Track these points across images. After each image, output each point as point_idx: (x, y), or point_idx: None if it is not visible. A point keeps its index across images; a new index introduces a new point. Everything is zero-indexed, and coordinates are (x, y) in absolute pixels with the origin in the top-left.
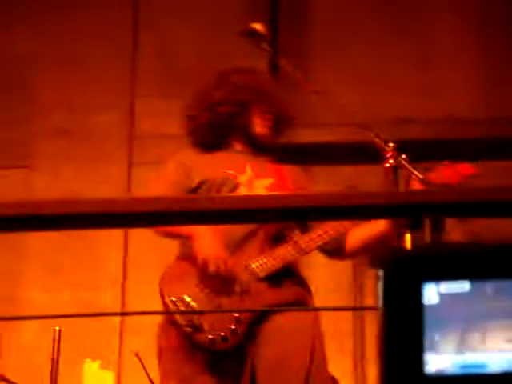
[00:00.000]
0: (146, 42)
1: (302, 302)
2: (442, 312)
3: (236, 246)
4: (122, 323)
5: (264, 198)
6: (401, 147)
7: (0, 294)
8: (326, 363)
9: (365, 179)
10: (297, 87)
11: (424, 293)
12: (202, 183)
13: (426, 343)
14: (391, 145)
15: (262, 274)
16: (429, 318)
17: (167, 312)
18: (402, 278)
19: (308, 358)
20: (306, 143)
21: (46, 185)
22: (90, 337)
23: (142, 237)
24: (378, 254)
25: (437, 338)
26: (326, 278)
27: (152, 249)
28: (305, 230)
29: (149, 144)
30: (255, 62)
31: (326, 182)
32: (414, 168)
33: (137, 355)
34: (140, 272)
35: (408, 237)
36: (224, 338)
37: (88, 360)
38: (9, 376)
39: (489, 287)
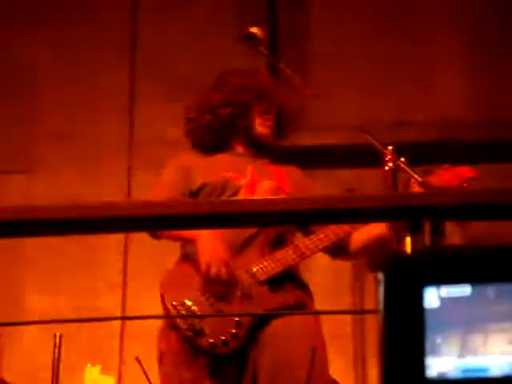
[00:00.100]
0: (145, 47)
1: (302, 306)
2: (443, 316)
3: (237, 250)
4: (122, 328)
5: (262, 202)
6: (399, 150)
7: (0, 298)
8: (327, 366)
9: (364, 182)
10: (296, 91)
11: (425, 297)
12: (203, 186)
13: (427, 347)
14: (390, 148)
15: (263, 278)
16: (430, 322)
17: (168, 316)
18: (403, 281)
19: (309, 361)
20: (304, 146)
21: (46, 189)
22: (90, 342)
23: (142, 241)
24: (378, 257)
25: (438, 341)
26: (325, 282)
27: (152, 253)
28: (305, 233)
29: (148, 149)
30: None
31: (325, 185)
32: (413, 171)
33: (137, 359)
34: (140, 276)
35: (408, 240)
36: (225, 342)
37: (89, 365)
38: (9, 381)
39: (490, 291)
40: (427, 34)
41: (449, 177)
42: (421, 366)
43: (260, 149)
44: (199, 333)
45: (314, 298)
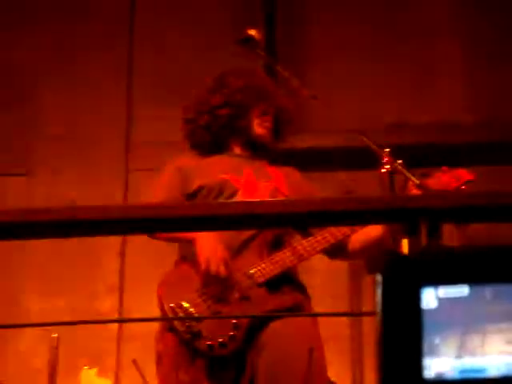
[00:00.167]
0: (143, 49)
1: (300, 308)
2: (441, 316)
3: (235, 252)
4: (119, 330)
5: (259, 204)
6: (397, 152)
7: None
8: (325, 368)
9: (361, 185)
10: (293, 93)
11: (423, 297)
12: (201, 188)
13: (425, 348)
14: (387, 150)
15: (261, 280)
16: (427, 323)
17: (165, 318)
18: (401, 282)
19: (307, 363)
20: (302, 149)
21: (45, 191)
22: (87, 344)
23: (140, 243)
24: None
25: (436, 342)
26: (323, 284)
27: (149, 255)
28: (304, 235)
29: (146, 151)
30: None
31: (322, 187)
32: (411, 173)
33: (134, 362)
34: (138, 278)
35: (405, 242)
36: (222, 344)
37: (86, 367)
38: (6, 383)
39: (487, 291)
40: (426, 36)
41: (447, 179)
42: (418, 367)
43: (258, 150)
44: (197, 335)
45: (311, 300)
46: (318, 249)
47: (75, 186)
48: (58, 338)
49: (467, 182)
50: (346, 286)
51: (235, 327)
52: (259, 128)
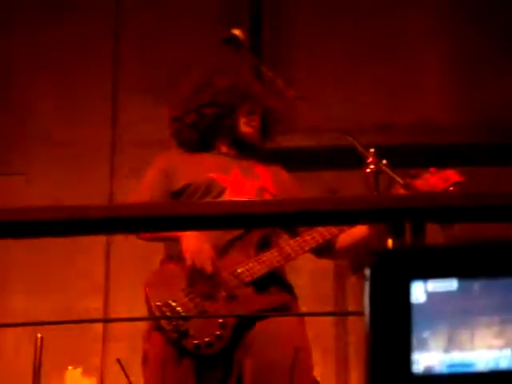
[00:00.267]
0: (129, 49)
1: (287, 308)
2: (430, 310)
3: (221, 251)
4: (104, 330)
5: (244, 204)
6: (383, 152)
7: None
8: (311, 368)
9: (346, 184)
10: (278, 94)
11: (411, 291)
12: (187, 186)
13: (414, 342)
14: (372, 150)
15: (248, 279)
16: (416, 317)
17: (150, 318)
18: (389, 276)
19: (292, 362)
20: (286, 148)
21: (29, 192)
22: (72, 344)
23: (125, 243)
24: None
25: (425, 336)
26: (307, 284)
27: (135, 255)
28: (292, 235)
29: (131, 151)
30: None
31: (307, 187)
32: (396, 173)
33: (119, 362)
34: (123, 278)
35: (390, 242)
36: (209, 344)
37: (70, 367)
38: None
39: (476, 285)
40: (412, 37)
41: (435, 180)
42: (407, 361)
43: (245, 149)
44: (184, 334)
45: (298, 300)
46: (305, 248)
47: (60, 186)
48: (42, 338)
49: (455, 183)
50: (331, 286)
51: (222, 326)
52: (246, 127)
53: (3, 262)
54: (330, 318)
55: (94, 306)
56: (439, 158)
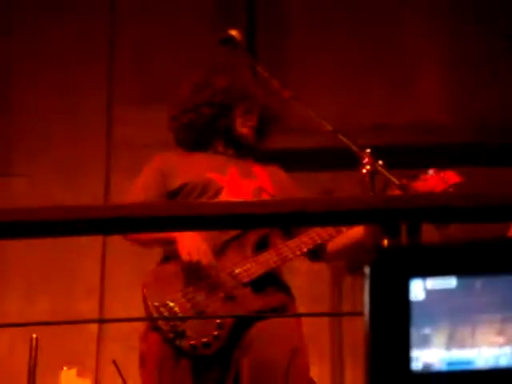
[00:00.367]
0: (123, 50)
1: (285, 308)
2: (429, 308)
3: (219, 252)
4: (99, 330)
5: (238, 205)
6: (378, 153)
7: None
8: (308, 368)
9: (341, 185)
10: (273, 94)
11: (411, 289)
12: (183, 186)
13: (413, 340)
14: (367, 150)
15: (246, 280)
16: (416, 315)
17: (146, 318)
18: (389, 274)
19: (289, 362)
20: (282, 149)
21: (24, 193)
22: (67, 344)
23: (120, 244)
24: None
25: (424, 334)
26: (304, 284)
27: (130, 256)
28: (290, 235)
29: (126, 151)
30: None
31: (303, 188)
32: (392, 174)
33: (114, 363)
34: (118, 279)
35: (386, 243)
36: (206, 344)
37: (65, 368)
38: None
39: (475, 283)
40: (406, 37)
41: (434, 181)
42: (406, 359)
43: (241, 149)
44: (181, 334)
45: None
46: (303, 249)
47: (54, 186)
48: (37, 338)
49: (455, 185)
50: (327, 286)
51: (219, 327)
52: (242, 127)
53: None
54: (325, 319)
55: (89, 306)
56: (435, 158)
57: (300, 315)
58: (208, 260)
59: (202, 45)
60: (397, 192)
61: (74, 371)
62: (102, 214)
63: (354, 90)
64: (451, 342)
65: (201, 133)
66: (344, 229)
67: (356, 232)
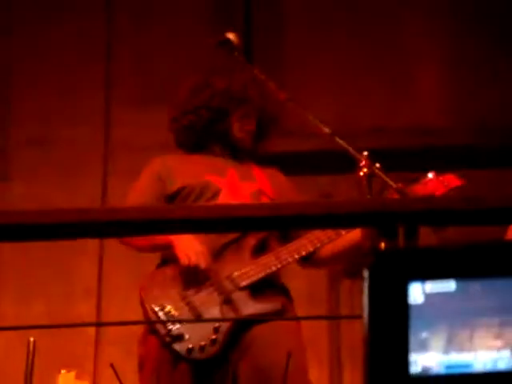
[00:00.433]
0: (121, 53)
1: (283, 311)
2: (428, 311)
3: (217, 255)
4: (97, 333)
5: (236, 208)
6: (375, 156)
7: None
8: (307, 372)
9: (340, 188)
10: (272, 96)
11: (409, 292)
12: (181, 188)
13: (412, 343)
14: (365, 153)
15: (244, 283)
16: (414, 318)
17: (143, 322)
18: (388, 277)
19: (288, 365)
20: (280, 152)
21: (21, 195)
22: (65, 347)
23: (118, 247)
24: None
25: (423, 337)
26: (301, 288)
27: (128, 259)
28: (288, 239)
29: (123, 154)
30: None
31: (301, 191)
32: (389, 177)
33: (112, 367)
34: (115, 282)
35: (383, 246)
36: (201, 348)
37: (63, 371)
38: None
39: (474, 286)
40: (404, 39)
41: (435, 185)
42: (405, 362)
43: (238, 153)
44: (178, 338)
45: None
46: (302, 253)
47: (52, 189)
48: (34, 341)
49: (456, 188)
50: (325, 289)
51: (216, 331)
52: (239, 132)
53: None
54: (324, 322)
55: (86, 308)
56: (434, 160)
57: (299, 318)
58: (206, 263)
59: (201, 46)
60: (394, 195)
61: (72, 374)
62: (99, 217)
63: (352, 92)
64: (450, 346)
65: (200, 135)
66: (343, 232)
67: (353, 235)
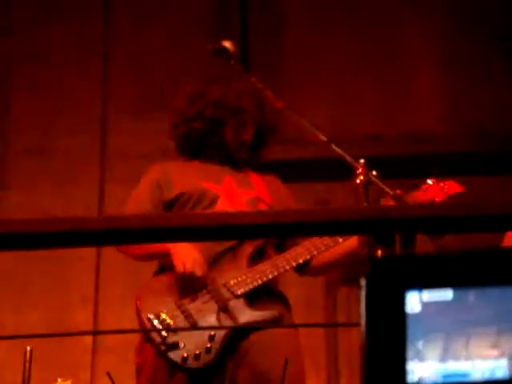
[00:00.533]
0: (118, 61)
1: (280, 319)
2: (425, 320)
3: (213, 263)
4: (94, 342)
5: (232, 215)
6: (372, 163)
7: None
8: (304, 378)
9: (336, 195)
10: (268, 105)
11: (407, 301)
12: (179, 195)
13: (409, 352)
14: (361, 161)
15: (240, 291)
16: (412, 327)
17: (140, 330)
18: (385, 286)
19: (285, 373)
20: (276, 160)
21: (19, 204)
22: (61, 356)
23: (115, 255)
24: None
25: (420, 346)
26: (298, 295)
27: (124, 267)
28: (285, 246)
29: (120, 162)
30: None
31: (298, 198)
32: (386, 184)
33: (108, 375)
34: (112, 291)
35: (379, 254)
36: (196, 357)
37: (60, 379)
38: None
39: (472, 295)
40: (401, 47)
41: (435, 191)
42: (402, 371)
43: (234, 162)
44: (173, 346)
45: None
46: (299, 260)
47: (49, 198)
48: (31, 350)
49: (456, 195)
50: (322, 296)
51: (211, 339)
52: (234, 142)
53: None
54: (321, 329)
55: (83, 317)
56: (430, 168)
57: (296, 326)
58: (202, 271)
59: (199, 53)
60: (390, 202)
61: (68, 383)
62: (97, 225)
63: (349, 99)
64: (447, 355)
65: (196, 144)
66: (341, 239)
67: (349, 243)
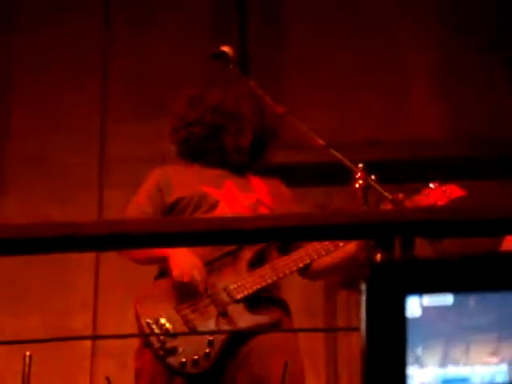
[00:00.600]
0: (118, 66)
1: (279, 323)
2: (425, 325)
3: (214, 268)
4: (93, 346)
5: (232, 220)
6: (370, 168)
7: None
8: (304, 382)
9: (335, 200)
10: (268, 110)
11: (407, 306)
12: (179, 199)
13: (409, 357)
14: (360, 165)
15: (239, 296)
16: (412, 331)
17: (139, 335)
18: (385, 291)
19: (285, 378)
20: (276, 164)
21: (17, 209)
22: (61, 361)
23: (114, 260)
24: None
25: (420, 351)
26: (297, 299)
27: (124, 271)
28: (285, 251)
29: (120, 167)
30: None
31: (298, 202)
32: (388, 189)
33: (107, 379)
34: (111, 296)
35: (379, 257)
36: (195, 362)
37: None
38: None
39: (472, 300)
40: (398, 53)
41: (437, 195)
42: (402, 376)
43: (234, 167)
44: (172, 352)
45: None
46: (300, 265)
47: (48, 203)
48: (31, 356)
49: (458, 199)
50: (321, 301)
51: (210, 344)
52: (232, 147)
53: None
54: (320, 333)
55: (82, 322)
56: (428, 173)
57: (295, 330)
58: (200, 276)
59: (199, 58)
60: (389, 206)
61: None
62: (97, 230)
63: (348, 105)
64: (447, 360)
65: (196, 149)
66: (341, 243)
67: (349, 247)
